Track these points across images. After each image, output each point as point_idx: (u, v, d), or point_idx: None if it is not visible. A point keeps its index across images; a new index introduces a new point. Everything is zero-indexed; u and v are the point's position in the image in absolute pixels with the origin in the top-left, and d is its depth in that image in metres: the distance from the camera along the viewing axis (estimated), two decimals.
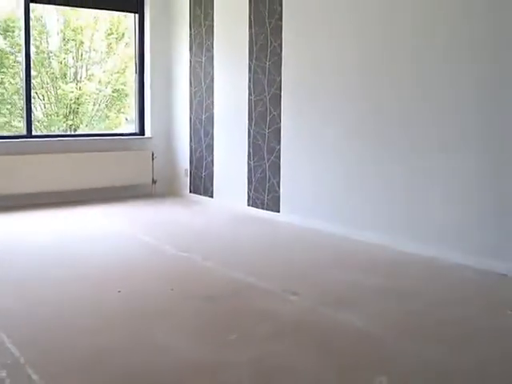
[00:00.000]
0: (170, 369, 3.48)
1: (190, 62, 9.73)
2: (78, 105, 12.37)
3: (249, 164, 8.63)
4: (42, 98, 11.98)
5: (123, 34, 12.07)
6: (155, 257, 6.12)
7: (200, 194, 9.73)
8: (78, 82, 12.44)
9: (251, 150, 8.57)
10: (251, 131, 8.56)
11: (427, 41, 6.15)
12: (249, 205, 8.71)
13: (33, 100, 9.51)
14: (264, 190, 8.43)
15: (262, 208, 8.47)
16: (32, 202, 9.02)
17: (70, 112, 12.35)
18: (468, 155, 5.81)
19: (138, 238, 6.94)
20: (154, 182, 10.24)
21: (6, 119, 11.63)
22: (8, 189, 8.73)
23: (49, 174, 9.02)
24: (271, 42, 8.13)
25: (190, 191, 9.95)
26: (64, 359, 3.60)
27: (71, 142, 9.53)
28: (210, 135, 9.42)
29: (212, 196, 9.46)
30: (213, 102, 9.26)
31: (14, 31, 11.00)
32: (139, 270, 5.62)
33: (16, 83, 11.01)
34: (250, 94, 8.53)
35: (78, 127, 12.37)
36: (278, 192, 8.19)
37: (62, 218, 8.14)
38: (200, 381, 3.34)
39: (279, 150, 8.11)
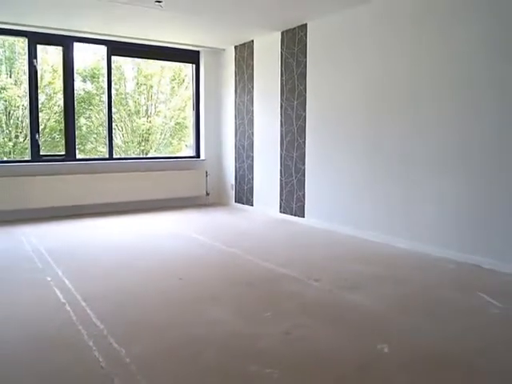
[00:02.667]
0: (219, 338, 3.55)
1: (235, 101, 9.82)
2: (149, 134, 12.52)
3: (280, 180, 8.68)
4: (120, 129, 12.14)
5: (183, 80, 12.21)
6: (207, 251, 6.19)
7: (243, 204, 9.79)
8: (148, 116, 12.58)
9: (282, 169, 8.62)
10: (282, 155, 8.61)
11: (417, 88, 6.18)
12: (280, 211, 8.75)
13: (113, 131, 9.64)
14: (292, 200, 8.47)
15: (291, 214, 8.51)
16: (112, 209, 9.17)
17: (142, 140, 12.49)
18: (449, 178, 5.83)
19: (194, 237, 7.01)
20: (207, 194, 10.33)
21: (93, 145, 11.82)
22: (94, 199, 8.88)
23: (126, 188, 9.15)
24: (298, 86, 8.19)
25: (235, 201, 10.02)
26: (136, 331, 3.68)
27: (143, 163, 9.65)
28: (250, 158, 9.49)
29: (252, 205, 9.52)
30: (253, 132, 9.32)
31: (99, 77, 11.19)
32: (195, 262, 5.69)
33: (100, 117, 11.20)
34: (281, 126, 8.58)
35: (149, 151, 12.50)
36: (303, 202, 8.23)
37: (135, 222, 8.25)
38: (242, 347, 3.40)
39: (304, 169, 8.16)
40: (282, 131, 8.59)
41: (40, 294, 4.51)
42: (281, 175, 8.68)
